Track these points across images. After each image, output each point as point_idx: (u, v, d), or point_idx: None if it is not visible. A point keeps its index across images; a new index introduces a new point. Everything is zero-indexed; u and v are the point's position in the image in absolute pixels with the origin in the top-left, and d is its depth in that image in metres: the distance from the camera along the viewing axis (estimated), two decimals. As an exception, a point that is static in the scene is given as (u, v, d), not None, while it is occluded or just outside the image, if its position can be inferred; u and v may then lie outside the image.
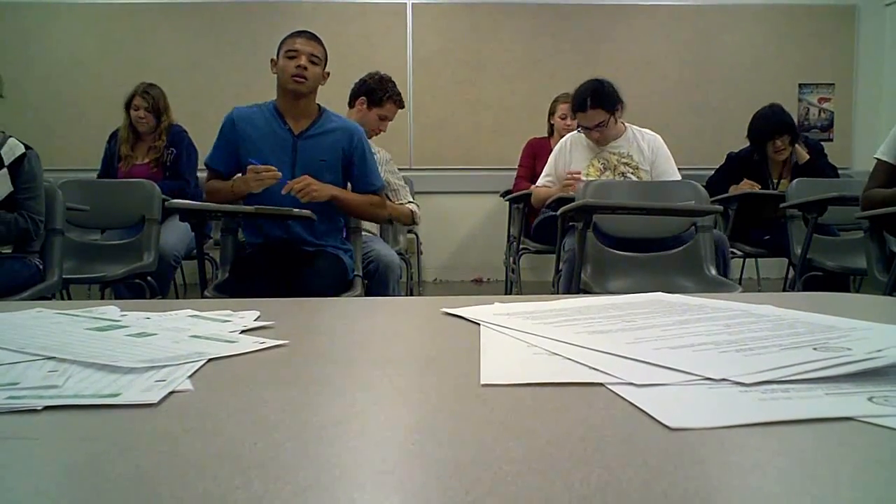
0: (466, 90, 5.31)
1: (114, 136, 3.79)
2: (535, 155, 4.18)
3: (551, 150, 4.22)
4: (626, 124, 3.09)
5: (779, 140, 3.64)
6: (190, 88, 5.00)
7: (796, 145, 3.69)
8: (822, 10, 5.42)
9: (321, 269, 2.31)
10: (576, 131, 3.20)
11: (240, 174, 2.36)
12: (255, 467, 0.35)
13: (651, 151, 3.05)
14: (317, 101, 2.45)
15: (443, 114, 5.30)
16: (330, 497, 0.33)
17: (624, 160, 3.04)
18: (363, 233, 2.68)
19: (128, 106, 3.68)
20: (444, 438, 0.40)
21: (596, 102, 2.95)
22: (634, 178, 3.00)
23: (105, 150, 3.80)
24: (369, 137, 2.98)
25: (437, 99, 5.30)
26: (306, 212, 2.22)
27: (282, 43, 2.41)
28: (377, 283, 2.66)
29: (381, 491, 0.33)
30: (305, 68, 2.31)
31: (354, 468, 0.36)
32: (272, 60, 2.41)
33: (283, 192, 2.24)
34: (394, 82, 3.20)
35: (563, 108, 4.19)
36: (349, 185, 2.49)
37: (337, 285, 2.34)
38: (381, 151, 3.18)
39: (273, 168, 2.24)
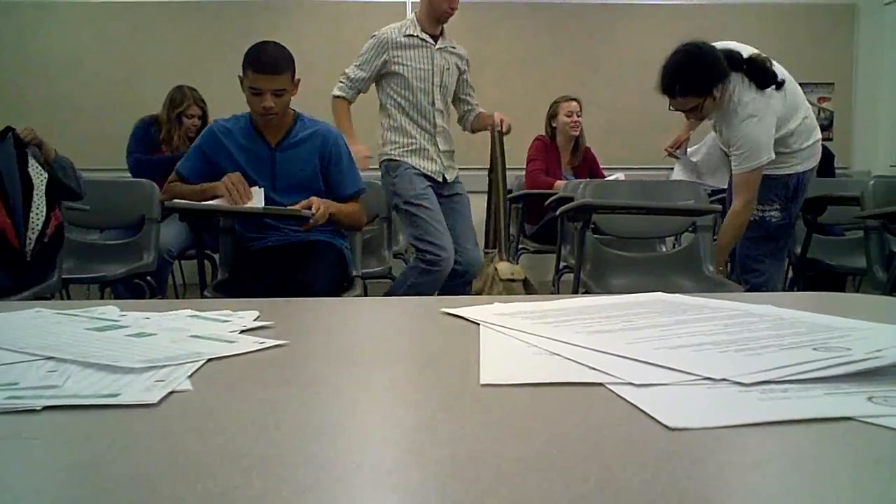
0: (466, 89, 5.29)
1: (152, 123, 3.68)
2: (547, 153, 4.12)
3: (557, 153, 4.18)
4: (734, 94, 2.50)
5: None
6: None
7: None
8: (821, 10, 5.41)
9: (321, 264, 2.32)
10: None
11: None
12: (255, 467, 0.35)
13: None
14: (291, 108, 2.41)
15: (442, 113, 5.29)
16: (329, 496, 0.33)
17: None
18: None
19: (178, 112, 3.59)
20: (443, 438, 0.40)
21: (685, 90, 2.46)
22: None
23: (143, 135, 3.65)
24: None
25: (436, 98, 5.29)
26: (307, 212, 2.23)
27: (245, 66, 2.29)
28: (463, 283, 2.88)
29: (380, 490, 0.33)
30: (272, 106, 2.28)
31: (354, 468, 0.36)
32: (240, 77, 2.33)
33: (308, 227, 2.26)
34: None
35: (566, 107, 4.11)
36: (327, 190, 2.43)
37: (337, 281, 2.35)
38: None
39: (246, 187, 2.25)
